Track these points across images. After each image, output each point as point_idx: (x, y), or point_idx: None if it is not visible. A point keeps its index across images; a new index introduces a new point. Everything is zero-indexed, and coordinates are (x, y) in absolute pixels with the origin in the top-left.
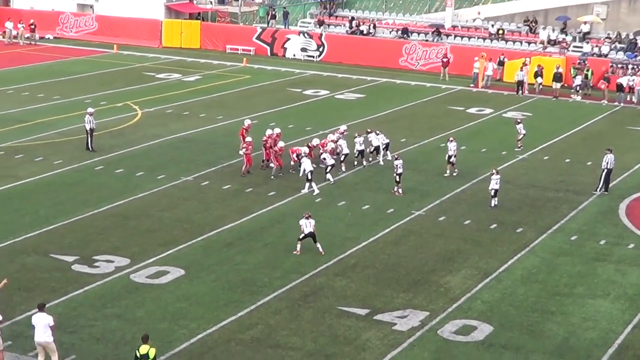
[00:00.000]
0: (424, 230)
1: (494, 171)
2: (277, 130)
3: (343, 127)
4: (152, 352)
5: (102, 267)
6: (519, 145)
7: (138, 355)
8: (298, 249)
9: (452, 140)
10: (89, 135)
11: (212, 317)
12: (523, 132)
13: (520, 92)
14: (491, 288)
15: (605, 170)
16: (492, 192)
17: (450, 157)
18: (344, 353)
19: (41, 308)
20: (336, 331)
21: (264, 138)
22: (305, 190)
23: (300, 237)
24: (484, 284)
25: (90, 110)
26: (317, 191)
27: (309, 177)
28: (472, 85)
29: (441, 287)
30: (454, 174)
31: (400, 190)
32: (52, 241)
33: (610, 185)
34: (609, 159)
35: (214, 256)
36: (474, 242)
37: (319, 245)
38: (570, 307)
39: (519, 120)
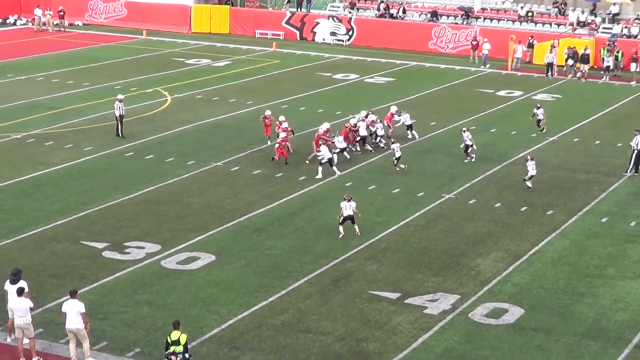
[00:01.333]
0: (454, 213)
1: (529, 157)
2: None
3: (370, 116)
4: (183, 338)
5: (133, 253)
6: (542, 129)
7: (169, 341)
8: (341, 231)
9: (465, 131)
10: (118, 122)
11: (242, 302)
12: (541, 117)
13: (550, 74)
14: (522, 271)
15: (636, 152)
16: (527, 177)
17: (468, 147)
18: (375, 337)
19: (73, 294)
20: (367, 315)
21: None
22: (319, 176)
23: (340, 220)
24: (515, 267)
25: (119, 96)
26: (338, 173)
27: (331, 163)
28: (481, 66)
29: (472, 270)
30: (467, 160)
31: (403, 166)
32: (82, 228)
33: None
34: (638, 140)
35: (245, 241)
36: (504, 225)
37: (356, 226)
38: (601, 288)
39: (539, 105)
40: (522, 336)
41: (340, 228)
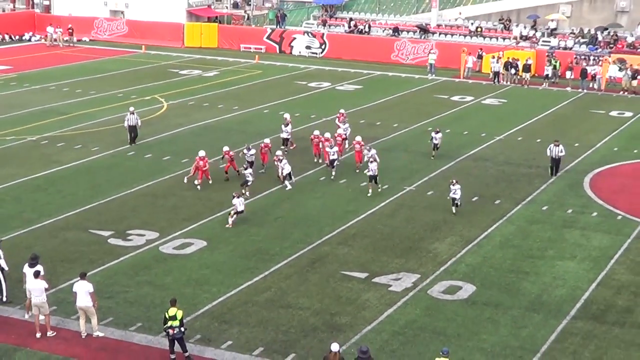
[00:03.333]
0: (414, 203)
1: (454, 181)
2: (267, 141)
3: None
4: (179, 314)
5: (135, 240)
6: (433, 155)
7: (167, 316)
8: (230, 222)
9: (372, 161)
10: (129, 132)
11: (231, 282)
12: (438, 141)
13: (497, 81)
14: (473, 253)
15: (553, 159)
16: (452, 201)
17: (372, 177)
18: (346, 312)
19: (82, 276)
20: (339, 293)
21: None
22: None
23: (232, 213)
24: (467, 249)
25: (131, 109)
26: (289, 187)
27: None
28: (428, 75)
29: (430, 252)
30: (370, 193)
31: (246, 193)
32: (90, 218)
33: (575, 161)
34: (555, 150)
35: (232, 229)
36: (458, 213)
37: (233, 218)
38: (542, 268)
39: (438, 130)
40: (474, 310)
41: (230, 220)
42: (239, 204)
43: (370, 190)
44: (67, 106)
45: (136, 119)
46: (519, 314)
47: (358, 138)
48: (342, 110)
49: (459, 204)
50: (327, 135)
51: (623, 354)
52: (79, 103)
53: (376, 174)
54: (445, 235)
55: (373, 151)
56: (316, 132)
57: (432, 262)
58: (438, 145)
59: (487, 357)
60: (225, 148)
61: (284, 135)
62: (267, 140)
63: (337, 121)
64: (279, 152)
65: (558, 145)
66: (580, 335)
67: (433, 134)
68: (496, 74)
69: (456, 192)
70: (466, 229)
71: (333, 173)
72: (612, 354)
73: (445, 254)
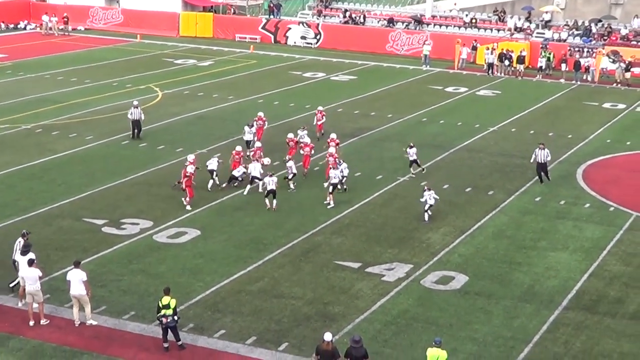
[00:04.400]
0: (408, 194)
1: (426, 188)
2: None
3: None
4: (172, 303)
5: (129, 229)
6: (422, 169)
7: (160, 305)
8: (267, 204)
9: (333, 168)
10: (133, 126)
11: (224, 271)
12: (414, 157)
13: (491, 72)
14: (466, 243)
15: (540, 164)
16: (426, 207)
17: (336, 185)
18: (339, 301)
19: (77, 265)
20: (333, 282)
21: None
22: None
23: (265, 193)
24: (460, 240)
25: (135, 102)
26: (246, 192)
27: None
28: (423, 66)
29: (423, 243)
30: (330, 205)
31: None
32: (84, 207)
33: (568, 153)
34: (541, 154)
35: (226, 218)
36: (451, 204)
37: (275, 201)
38: (535, 259)
39: (412, 144)
40: (467, 300)
41: (267, 201)
42: (269, 182)
43: (329, 200)
44: (62, 95)
45: (140, 113)
46: (511, 304)
47: (331, 150)
48: (320, 108)
49: (430, 208)
50: (307, 140)
51: (614, 344)
52: (73, 92)
53: (335, 182)
54: (438, 226)
55: (344, 164)
56: (290, 135)
57: (425, 252)
58: (417, 161)
59: (479, 347)
60: (191, 157)
61: (247, 137)
62: (238, 148)
63: (315, 119)
64: (267, 160)
65: (544, 149)
66: (571, 325)
67: (408, 150)
68: (490, 65)
69: (431, 197)
70: (459, 219)
71: (292, 186)
72: (604, 344)
73: (439, 245)
